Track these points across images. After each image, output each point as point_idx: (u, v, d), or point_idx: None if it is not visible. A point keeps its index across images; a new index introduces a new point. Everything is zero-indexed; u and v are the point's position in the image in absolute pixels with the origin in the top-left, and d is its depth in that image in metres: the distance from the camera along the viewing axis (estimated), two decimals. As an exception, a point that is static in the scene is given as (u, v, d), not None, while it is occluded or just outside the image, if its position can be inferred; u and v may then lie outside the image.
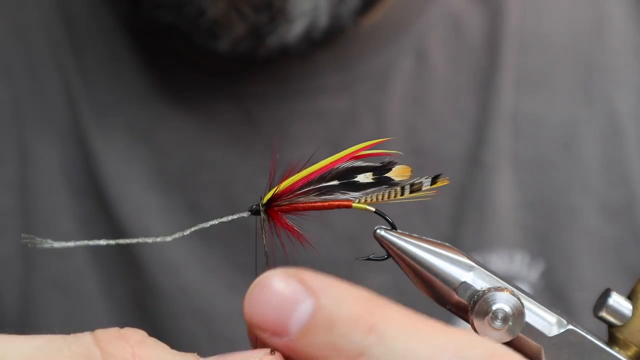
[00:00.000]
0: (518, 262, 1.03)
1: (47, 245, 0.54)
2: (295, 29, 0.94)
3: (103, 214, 1.03)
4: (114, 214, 1.03)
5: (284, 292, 0.53)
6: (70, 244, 0.54)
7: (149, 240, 0.54)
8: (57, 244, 0.54)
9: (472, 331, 0.59)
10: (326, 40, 0.98)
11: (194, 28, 0.95)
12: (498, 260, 1.02)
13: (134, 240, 0.54)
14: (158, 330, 1.02)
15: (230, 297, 1.02)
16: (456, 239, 1.01)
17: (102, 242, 0.53)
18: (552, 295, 1.02)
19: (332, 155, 0.61)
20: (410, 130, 1.03)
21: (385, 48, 1.04)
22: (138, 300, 1.03)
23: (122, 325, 1.09)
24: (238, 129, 1.02)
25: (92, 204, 1.04)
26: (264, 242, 0.60)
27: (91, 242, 0.54)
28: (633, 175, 1.03)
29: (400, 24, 1.04)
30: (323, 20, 0.95)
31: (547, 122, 1.04)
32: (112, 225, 1.03)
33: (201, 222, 0.60)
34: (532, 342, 0.60)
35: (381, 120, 1.03)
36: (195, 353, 0.58)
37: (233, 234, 1.02)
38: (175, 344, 1.02)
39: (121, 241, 0.54)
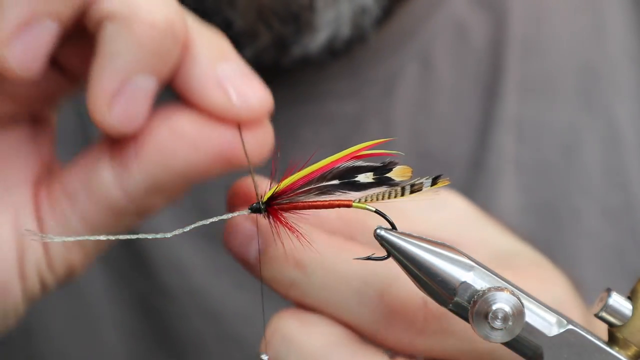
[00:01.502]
0: None
1: (47, 240, 0.54)
2: (318, 39, 0.95)
3: None
4: None
5: (244, 232, 0.67)
6: (70, 238, 0.55)
7: (149, 236, 0.55)
8: (58, 239, 0.55)
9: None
10: (346, 50, 0.98)
11: None
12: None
13: (134, 236, 0.54)
14: (166, 330, 1.02)
15: (237, 297, 1.02)
16: None
17: (102, 237, 0.53)
18: None
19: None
20: (416, 134, 1.04)
21: (392, 54, 1.05)
22: (145, 300, 1.03)
23: (127, 323, 1.10)
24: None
25: None
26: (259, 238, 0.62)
27: (91, 237, 0.54)
28: (632, 179, 1.04)
29: (406, 31, 1.05)
30: (345, 30, 0.96)
31: (548, 127, 1.05)
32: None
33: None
34: (532, 342, 0.60)
35: (387, 125, 1.03)
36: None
37: None
38: (183, 344, 1.03)
39: (121, 236, 0.54)
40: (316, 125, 1.03)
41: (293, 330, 0.65)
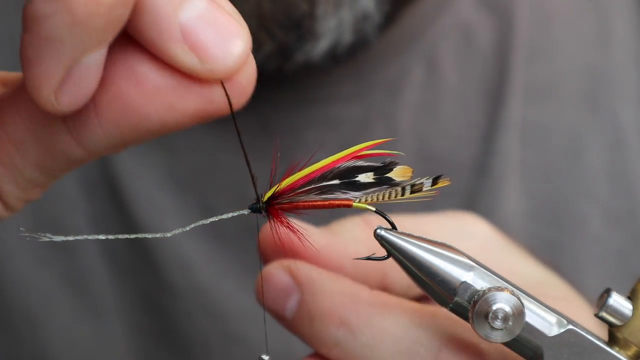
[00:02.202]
0: None
1: (45, 239, 0.54)
2: (320, 46, 0.95)
3: (115, 213, 1.04)
4: (126, 213, 1.03)
5: (278, 285, 0.65)
6: (70, 237, 0.54)
7: (149, 235, 0.55)
8: (57, 238, 0.54)
9: (429, 319, 0.65)
10: (349, 55, 0.99)
11: None
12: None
13: (133, 236, 0.54)
14: (169, 327, 1.02)
15: (241, 297, 1.02)
16: None
17: (101, 236, 0.53)
18: None
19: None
20: (420, 138, 1.04)
21: (398, 57, 1.05)
22: (150, 296, 1.04)
23: (131, 319, 1.10)
24: (252, 134, 1.03)
25: (104, 202, 1.04)
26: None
27: (90, 237, 0.54)
28: (637, 184, 1.04)
29: (412, 34, 1.05)
30: (347, 37, 0.96)
31: (553, 131, 1.05)
32: (124, 224, 1.04)
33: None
34: (532, 342, 0.60)
35: (392, 128, 1.04)
36: None
37: (244, 236, 1.03)
38: (187, 342, 1.03)
39: (120, 236, 0.54)
40: (321, 128, 1.03)
41: None
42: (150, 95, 0.51)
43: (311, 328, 0.64)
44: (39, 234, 0.54)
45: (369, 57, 1.04)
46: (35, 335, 1.02)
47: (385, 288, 0.70)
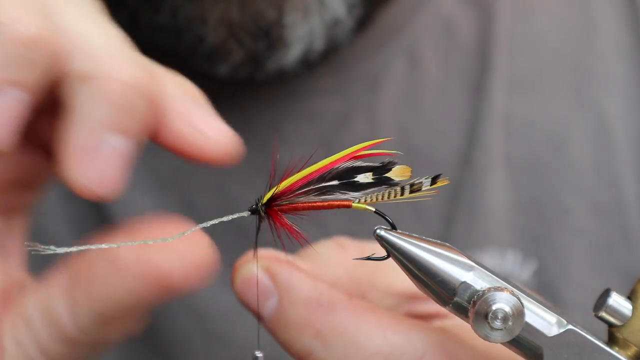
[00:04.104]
0: (510, 262, 1.03)
1: (49, 252, 0.54)
2: (292, 54, 0.95)
3: (95, 215, 1.03)
4: (107, 215, 1.02)
5: (257, 285, 0.64)
6: (73, 249, 0.54)
7: (150, 242, 0.54)
8: (60, 250, 0.54)
9: (406, 328, 0.64)
10: (322, 61, 0.98)
11: (192, 53, 0.95)
12: (490, 260, 1.02)
13: (136, 242, 0.54)
14: (151, 327, 1.01)
15: (224, 295, 1.02)
16: (448, 238, 1.02)
17: (104, 245, 0.52)
18: (544, 294, 1.03)
19: (326, 156, 0.61)
20: (403, 131, 1.04)
21: (378, 51, 1.04)
22: None
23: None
24: (232, 128, 1.02)
25: (83, 205, 1.03)
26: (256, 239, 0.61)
27: (93, 246, 0.54)
28: (622, 176, 1.04)
29: (392, 27, 1.05)
30: (319, 43, 0.96)
31: (538, 124, 1.05)
32: (104, 226, 1.02)
33: (196, 222, 0.60)
34: (532, 342, 0.60)
35: (374, 122, 1.03)
36: None
37: (227, 232, 1.02)
38: (169, 342, 1.02)
39: (122, 244, 0.54)
40: (301, 122, 1.03)
41: None
42: (115, 265, 0.56)
43: (286, 334, 0.64)
44: (43, 247, 0.54)
45: (349, 52, 1.03)
46: None
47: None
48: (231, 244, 1.02)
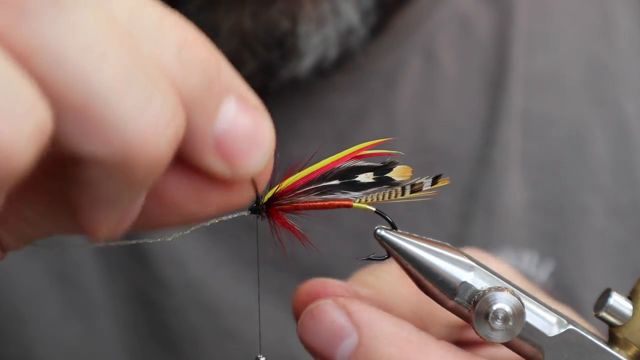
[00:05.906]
0: (526, 262, 1.03)
1: (59, 251, 0.54)
2: (306, 63, 0.95)
3: None
4: None
5: (332, 326, 0.58)
6: (80, 246, 0.55)
7: (150, 240, 0.55)
8: (67, 249, 0.55)
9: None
10: (336, 69, 0.98)
11: None
12: (506, 260, 1.02)
13: (134, 241, 0.54)
14: (162, 323, 1.02)
15: (235, 290, 1.02)
16: (464, 237, 1.01)
17: (113, 243, 0.53)
18: (561, 295, 1.02)
19: (338, 153, 0.61)
20: (419, 129, 1.04)
21: (395, 48, 1.04)
22: (141, 291, 1.03)
23: (122, 314, 1.08)
24: None
25: None
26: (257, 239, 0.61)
27: (99, 244, 0.54)
28: None
29: (409, 24, 1.05)
30: (333, 52, 0.96)
31: (556, 122, 1.04)
32: None
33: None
34: (532, 342, 0.60)
35: (390, 119, 1.03)
36: None
37: (238, 228, 1.03)
38: (179, 337, 1.03)
39: (124, 242, 0.54)
40: (316, 118, 1.03)
41: None
42: (170, 208, 0.51)
43: None
44: (53, 247, 0.54)
45: (367, 48, 1.03)
46: (20, 333, 1.01)
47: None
48: (242, 239, 1.03)
